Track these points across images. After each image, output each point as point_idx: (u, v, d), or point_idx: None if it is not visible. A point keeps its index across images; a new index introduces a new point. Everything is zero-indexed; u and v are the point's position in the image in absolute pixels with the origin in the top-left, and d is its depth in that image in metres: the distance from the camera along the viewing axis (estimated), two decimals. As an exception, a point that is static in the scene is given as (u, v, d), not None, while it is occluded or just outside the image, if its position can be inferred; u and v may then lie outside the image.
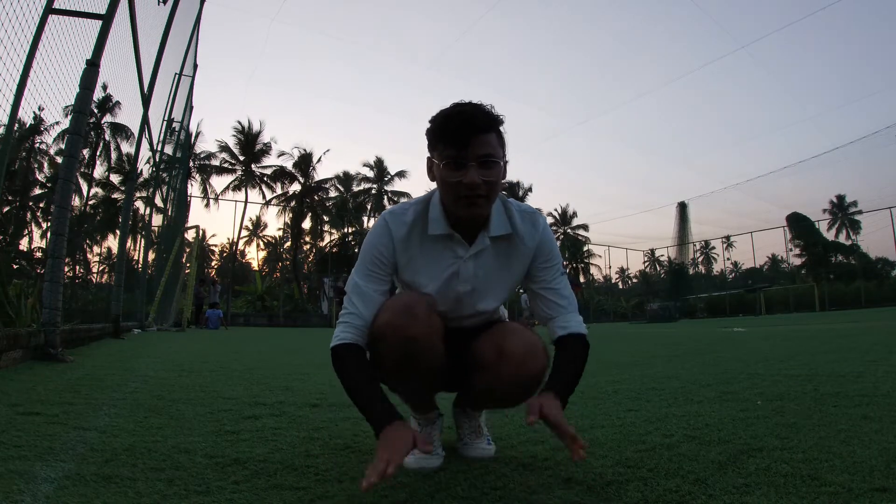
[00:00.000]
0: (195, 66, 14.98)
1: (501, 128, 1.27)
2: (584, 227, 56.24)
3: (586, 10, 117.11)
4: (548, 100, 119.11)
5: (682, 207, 42.52)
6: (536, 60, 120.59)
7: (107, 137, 32.59)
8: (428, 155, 1.31)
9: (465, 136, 1.21)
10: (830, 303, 31.22)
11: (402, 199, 44.82)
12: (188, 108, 16.54)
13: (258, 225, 57.21)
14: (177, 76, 12.52)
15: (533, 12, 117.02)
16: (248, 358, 5.15)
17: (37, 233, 36.39)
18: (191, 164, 37.57)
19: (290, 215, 42.72)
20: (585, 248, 56.72)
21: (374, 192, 44.88)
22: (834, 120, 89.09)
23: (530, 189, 51.34)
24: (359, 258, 1.37)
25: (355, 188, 44.90)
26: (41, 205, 35.28)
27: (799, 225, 40.99)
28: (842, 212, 46.39)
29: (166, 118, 12.90)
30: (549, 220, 53.37)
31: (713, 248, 59.11)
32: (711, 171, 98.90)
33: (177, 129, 14.38)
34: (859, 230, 44.40)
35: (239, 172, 39.61)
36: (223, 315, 17.54)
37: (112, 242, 28.04)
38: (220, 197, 39.36)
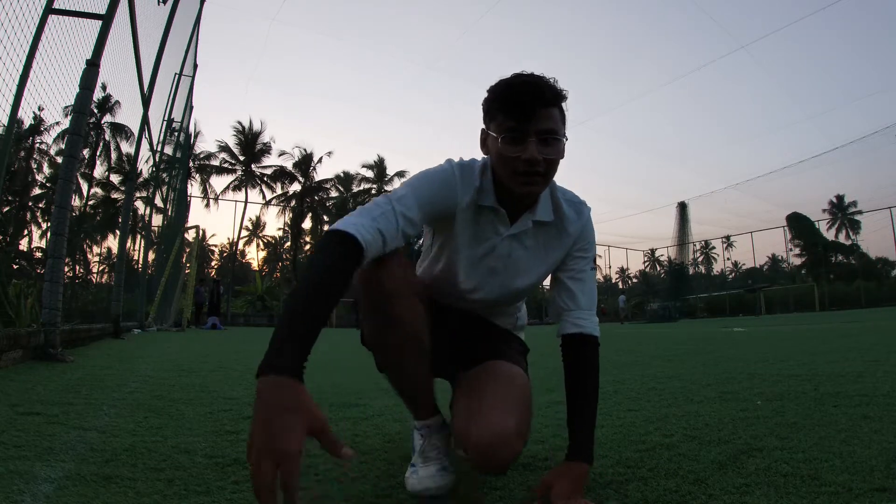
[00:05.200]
0: (195, 66, 14.96)
1: (564, 105, 1.18)
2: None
3: (586, 10, 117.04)
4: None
5: (683, 207, 42.54)
6: (536, 60, 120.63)
7: (107, 137, 32.62)
8: (483, 127, 1.22)
9: (529, 109, 1.11)
10: (830, 302, 31.26)
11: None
12: (188, 108, 16.53)
13: (258, 225, 57.32)
14: (177, 76, 12.52)
15: (533, 13, 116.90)
16: (248, 358, 5.15)
17: (37, 233, 36.43)
18: (191, 164, 37.63)
19: (290, 215, 42.76)
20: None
21: (374, 192, 44.90)
22: (834, 120, 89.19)
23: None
24: (414, 189, 1.17)
25: (355, 188, 44.93)
26: (41, 205, 35.30)
27: (799, 225, 41.02)
28: (841, 212, 46.43)
29: (166, 118, 12.89)
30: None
31: (713, 247, 59.25)
32: (711, 170, 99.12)
33: (176, 129, 14.38)
34: (859, 230, 44.53)
35: (239, 172, 39.67)
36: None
37: (112, 242, 28.01)
38: (220, 197, 39.48)
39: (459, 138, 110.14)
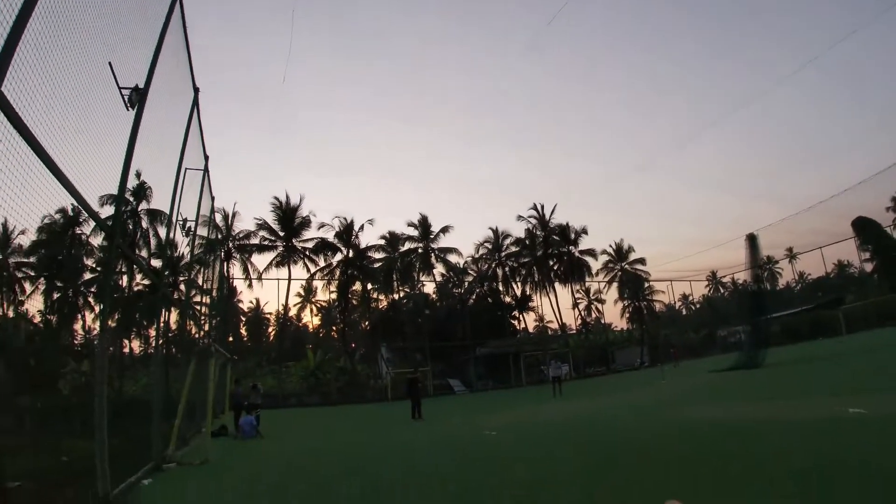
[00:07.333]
0: (206, 157, 13.23)
1: None
2: (642, 260, 52.12)
3: (630, 59, 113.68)
4: (600, 147, 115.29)
5: (752, 239, 39.55)
6: (573, 107, 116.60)
7: (144, 225, 31.90)
8: None
9: None
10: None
11: (450, 256, 42.85)
12: (210, 199, 14.88)
13: (310, 290, 56.40)
14: (184, 171, 10.69)
15: (577, 59, 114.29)
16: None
17: (89, 316, 35.86)
18: (230, 245, 36.62)
19: (337, 285, 41.28)
20: (647, 285, 52.68)
21: (420, 250, 43.06)
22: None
23: (585, 231, 48.34)
24: None
25: (402, 248, 43.17)
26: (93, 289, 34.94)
27: (866, 230, 37.43)
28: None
29: (177, 219, 11.21)
30: (605, 258, 49.83)
31: (777, 262, 54.73)
32: (777, 199, 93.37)
33: (191, 228, 12.59)
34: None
35: (280, 248, 38.57)
36: (257, 422, 15.22)
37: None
38: (262, 276, 38.26)
39: (497, 185, 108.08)
